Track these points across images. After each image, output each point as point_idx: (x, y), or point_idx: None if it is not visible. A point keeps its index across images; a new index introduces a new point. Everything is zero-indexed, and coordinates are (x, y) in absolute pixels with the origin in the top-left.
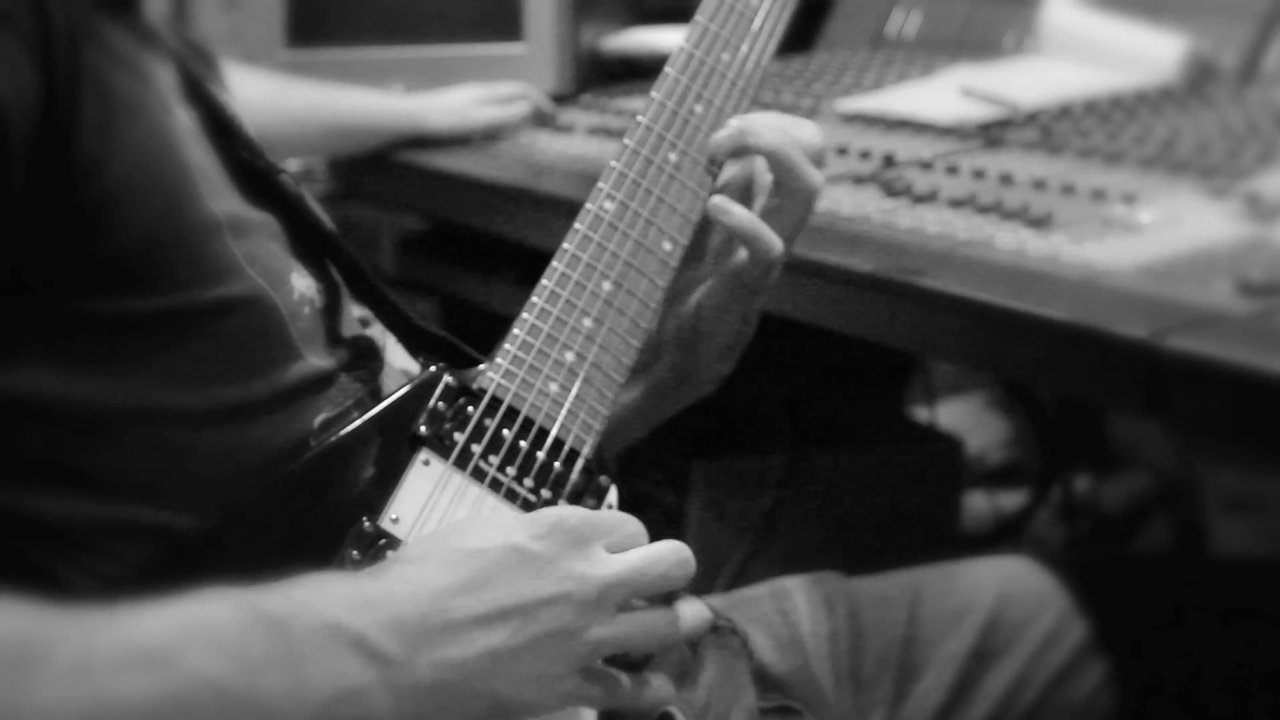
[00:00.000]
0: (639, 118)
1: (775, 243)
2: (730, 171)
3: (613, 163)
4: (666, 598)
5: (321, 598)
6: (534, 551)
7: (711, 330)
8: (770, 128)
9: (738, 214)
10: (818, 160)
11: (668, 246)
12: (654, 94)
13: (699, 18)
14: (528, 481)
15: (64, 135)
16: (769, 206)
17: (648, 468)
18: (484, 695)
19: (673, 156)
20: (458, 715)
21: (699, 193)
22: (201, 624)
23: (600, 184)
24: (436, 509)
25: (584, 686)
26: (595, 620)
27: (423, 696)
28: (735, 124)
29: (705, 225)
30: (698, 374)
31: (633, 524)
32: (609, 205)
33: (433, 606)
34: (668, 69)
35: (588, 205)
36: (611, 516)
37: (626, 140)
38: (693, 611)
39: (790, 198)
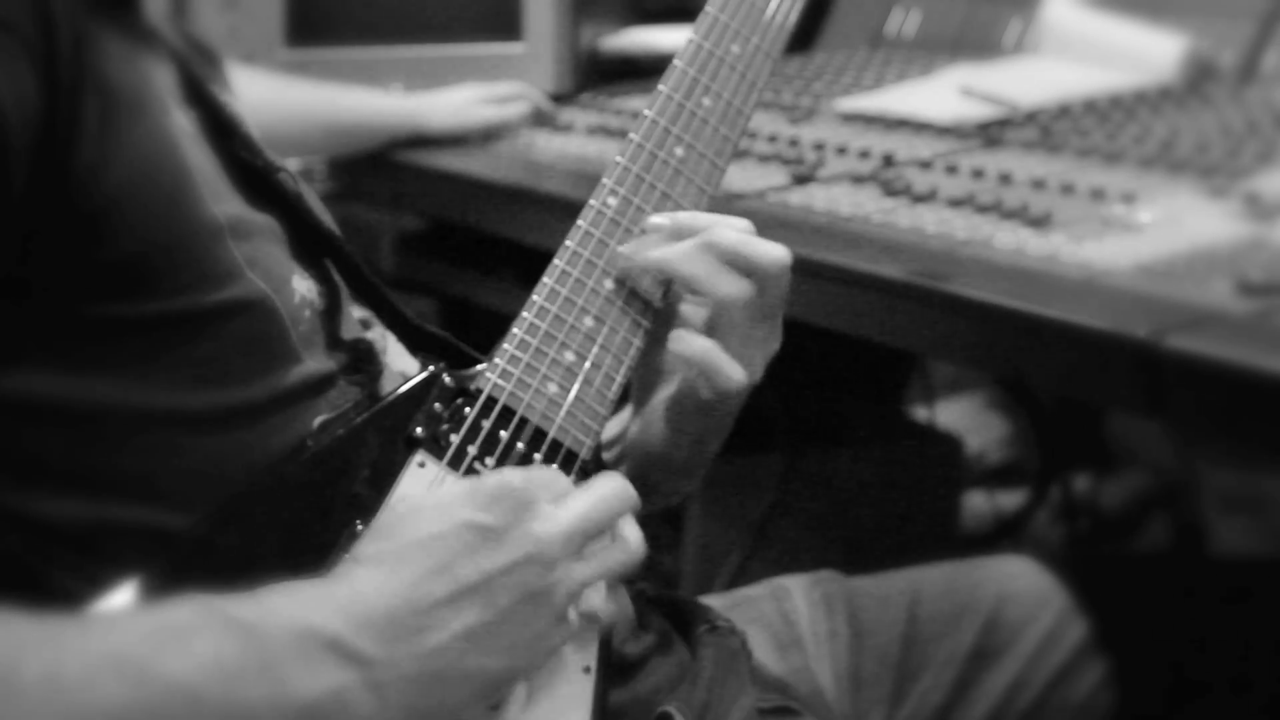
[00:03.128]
0: (645, 111)
1: (732, 371)
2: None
3: (618, 157)
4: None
5: (292, 603)
6: (485, 524)
7: (664, 451)
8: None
9: (697, 345)
10: (748, 262)
11: None
12: (662, 87)
13: (709, 8)
14: None
15: (65, 142)
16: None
17: None
18: (474, 674)
19: (679, 151)
20: (453, 699)
21: (705, 188)
22: (173, 631)
23: (605, 179)
24: None
25: (564, 632)
26: (560, 574)
27: (410, 690)
28: (619, 250)
29: (659, 340)
30: (656, 487)
31: (557, 475)
32: (613, 201)
33: (401, 598)
34: (676, 61)
35: (591, 201)
36: (543, 471)
37: (632, 135)
38: (631, 530)
39: (717, 312)
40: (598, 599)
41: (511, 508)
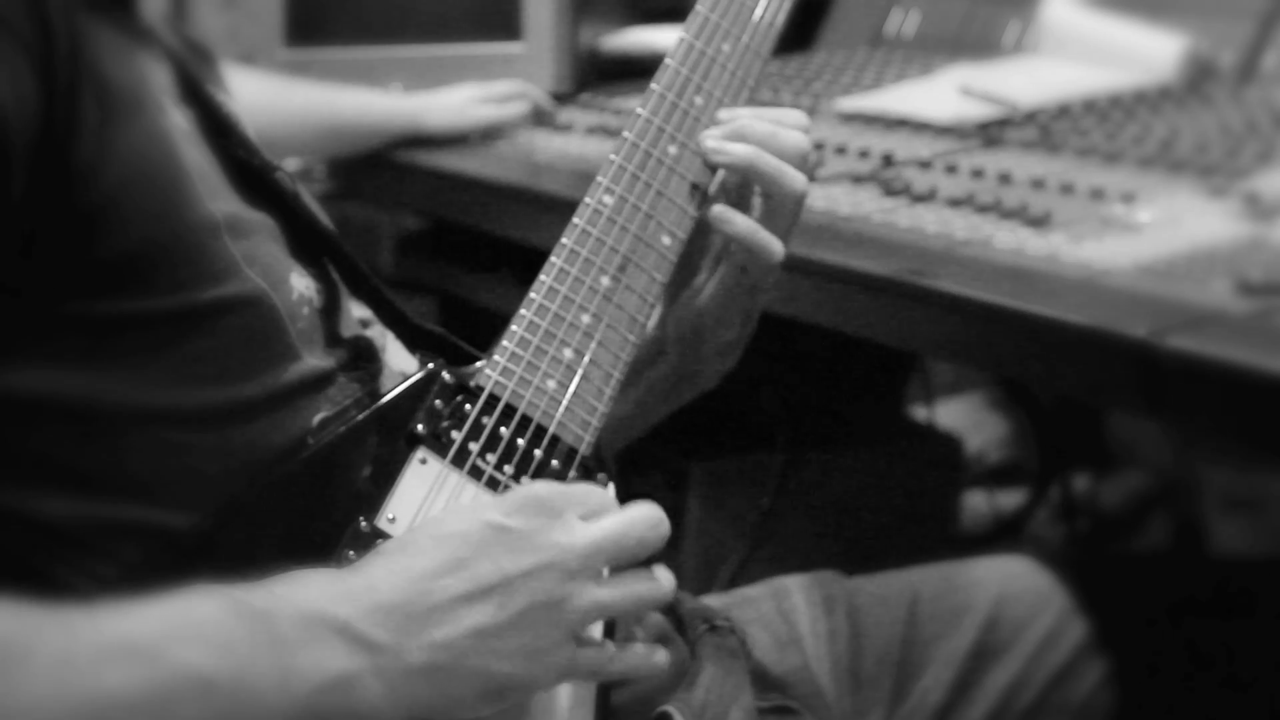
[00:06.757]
0: (638, 110)
1: (776, 246)
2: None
3: (612, 156)
4: (645, 562)
5: (304, 590)
6: (509, 526)
7: (714, 331)
8: (742, 136)
9: (739, 223)
10: (805, 160)
11: (666, 241)
12: (654, 86)
13: (699, 8)
14: (525, 480)
15: (63, 141)
16: (761, 211)
17: (647, 468)
18: (477, 673)
19: (672, 149)
20: (454, 696)
21: (699, 185)
22: (185, 618)
23: (599, 178)
24: (433, 508)
25: (578, 657)
26: (578, 588)
27: (415, 680)
28: (705, 144)
29: (704, 227)
30: (700, 372)
31: (599, 493)
32: (608, 199)
33: (415, 590)
34: (668, 60)
35: (586, 199)
36: (580, 487)
37: (626, 133)
38: (667, 575)
39: (776, 203)
40: (646, 649)
41: (537, 515)
